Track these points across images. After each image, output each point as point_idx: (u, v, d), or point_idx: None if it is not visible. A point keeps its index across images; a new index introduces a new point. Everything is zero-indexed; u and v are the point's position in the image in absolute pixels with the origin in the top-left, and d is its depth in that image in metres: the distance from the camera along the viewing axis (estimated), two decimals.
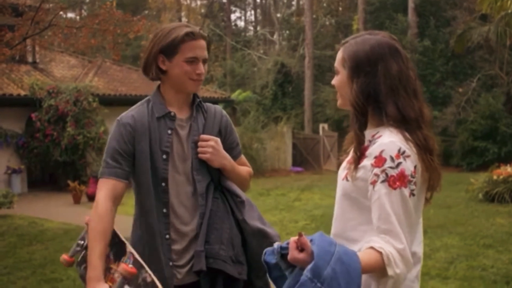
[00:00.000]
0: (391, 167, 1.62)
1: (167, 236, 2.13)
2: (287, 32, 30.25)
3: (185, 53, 2.10)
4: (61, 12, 10.17)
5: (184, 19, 33.83)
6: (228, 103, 19.91)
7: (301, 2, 31.81)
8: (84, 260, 2.16)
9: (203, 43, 2.15)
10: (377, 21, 23.79)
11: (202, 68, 2.14)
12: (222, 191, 2.21)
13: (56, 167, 14.68)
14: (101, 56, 18.16)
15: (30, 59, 16.20)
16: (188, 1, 36.10)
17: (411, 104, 1.72)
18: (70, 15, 25.14)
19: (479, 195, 10.13)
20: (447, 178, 11.40)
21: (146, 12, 34.04)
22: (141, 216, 2.17)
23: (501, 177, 9.97)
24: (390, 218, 1.60)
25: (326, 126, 21.14)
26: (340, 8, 30.27)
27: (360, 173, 1.70)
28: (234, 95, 21.76)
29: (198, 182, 2.15)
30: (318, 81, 23.37)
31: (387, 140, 1.65)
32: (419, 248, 1.78)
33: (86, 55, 17.39)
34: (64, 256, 2.18)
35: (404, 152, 1.63)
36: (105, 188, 2.09)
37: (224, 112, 2.33)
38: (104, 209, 2.05)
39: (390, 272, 1.56)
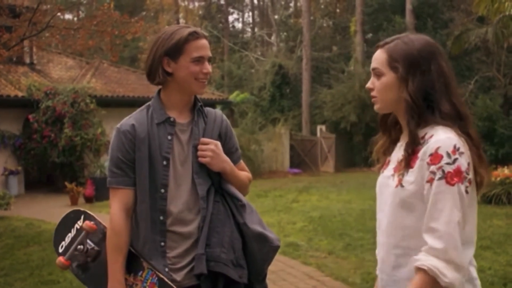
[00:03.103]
0: (448, 163, 1.61)
1: (162, 244, 2.12)
2: (285, 33, 30.29)
3: (191, 53, 2.09)
4: (58, 14, 10.17)
5: (182, 21, 33.84)
6: (225, 105, 19.92)
7: (298, 4, 31.85)
8: (76, 258, 2.19)
9: (206, 42, 2.14)
10: (375, 23, 23.84)
11: (208, 67, 2.14)
12: (222, 195, 2.20)
13: (53, 169, 14.67)
14: (99, 57, 18.15)
15: (27, 60, 16.21)
16: (186, 3, 36.14)
17: (462, 101, 1.75)
18: (68, 16, 25.15)
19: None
20: None
21: (144, 13, 34.06)
22: (135, 222, 2.17)
23: (498, 179, 9.97)
24: (438, 216, 1.59)
25: (323, 127, 21.17)
26: (338, 10, 30.34)
27: (415, 176, 1.68)
28: (232, 97, 21.78)
29: (199, 185, 2.14)
30: (316, 82, 23.40)
31: (443, 136, 1.64)
32: (471, 251, 1.73)
33: (83, 57, 17.41)
34: (61, 259, 2.17)
35: (459, 148, 1.62)
36: (117, 200, 2.13)
37: (224, 117, 2.32)
38: (119, 224, 2.11)
39: (442, 283, 1.57)
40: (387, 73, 1.76)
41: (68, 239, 2.25)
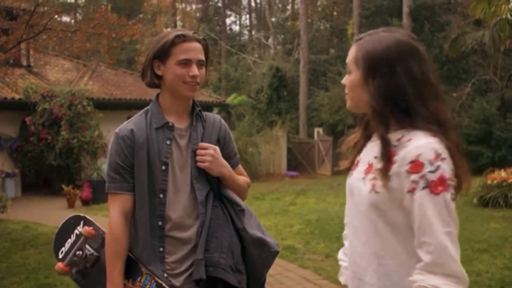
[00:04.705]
0: (430, 172, 1.49)
1: (161, 249, 2.11)
2: (282, 36, 30.29)
3: (177, 55, 2.09)
4: (56, 16, 10.17)
5: (179, 23, 33.87)
6: (223, 107, 19.92)
7: (296, 7, 31.91)
8: (75, 263, 2.18)
9: (196, 45, 2.12)
10: (372, 25, 23.79)
11: (196, 70, 2.10)
12: (221, 200, 2.20)
13: (50, 171, 14.64)
14: (96, 59, 18.16)
15: (24, 63, 16.18)
16: (183, 5, 36.15)
17: (440, 105, 1.62)
18: (65, 19, 25.11)
19: (474, 199, 10.14)
20: None
21: (141, 16, 34.07)
22: (134, 227, 2.16)
23: (495, 181, 10.00)
24: (428, 229, 1.49)
25: (321, 130, 21.18)
26: (335, 13, 30.38)
27: (392, 182, 1.55)
28: (229, 99, 21.77)
29: (198, 191, 2.14)
30: (313, 85, 23.41)
31: (423, 142, 1.52)
32: None
33: (80, 59, 17.38)
34: (60, 265, 2.16)
35: (441, 154, 1.51)
36: (116, 205, 2.12)
37: (223, 121, 2.32)
38: (118, 229, 2.10)
39: None
40: (353, 71, 1.67)
41: (68, 245, 2.25)
